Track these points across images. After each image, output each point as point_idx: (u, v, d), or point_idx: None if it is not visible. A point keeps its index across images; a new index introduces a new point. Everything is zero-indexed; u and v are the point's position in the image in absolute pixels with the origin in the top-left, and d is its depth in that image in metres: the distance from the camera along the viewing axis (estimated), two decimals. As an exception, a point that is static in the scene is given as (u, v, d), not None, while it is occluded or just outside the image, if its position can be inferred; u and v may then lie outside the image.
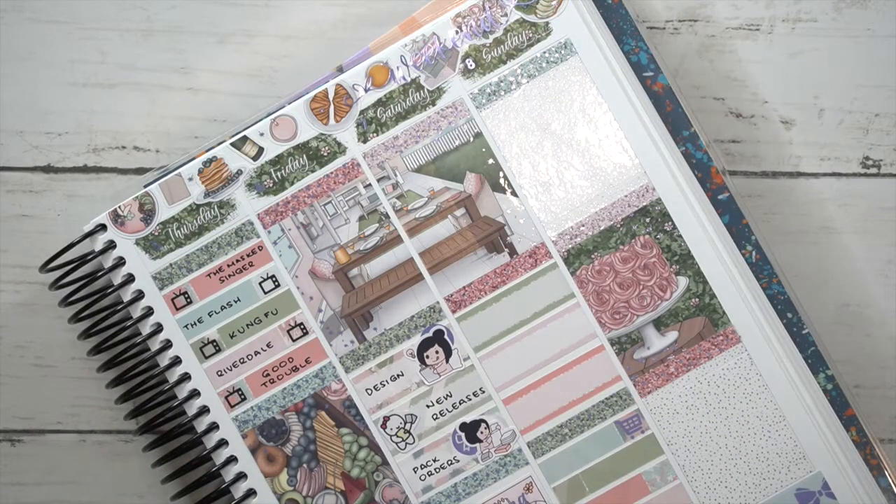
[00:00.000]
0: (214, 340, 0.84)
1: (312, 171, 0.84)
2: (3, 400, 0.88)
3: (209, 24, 0.88)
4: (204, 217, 0.84)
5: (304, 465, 0.84)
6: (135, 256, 0.84)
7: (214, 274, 0.84)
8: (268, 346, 0.84)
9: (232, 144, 0.84)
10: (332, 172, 0.84)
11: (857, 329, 0.86)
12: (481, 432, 0.84)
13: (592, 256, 0.83)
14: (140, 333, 0.84)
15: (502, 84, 0.83)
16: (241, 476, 0.84)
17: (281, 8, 0.87)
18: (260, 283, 0.84)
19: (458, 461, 0.84)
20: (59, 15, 0.88)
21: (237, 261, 0.84)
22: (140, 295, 0.84)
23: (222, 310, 0.84)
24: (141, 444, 0.88)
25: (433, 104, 0.83)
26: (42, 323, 0.88)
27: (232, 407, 0.84)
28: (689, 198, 0.83)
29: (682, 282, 0.83)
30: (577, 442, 0.83)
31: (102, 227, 0.84)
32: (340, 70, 0.84)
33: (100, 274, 0.85)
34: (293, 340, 0.84)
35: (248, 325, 0.84)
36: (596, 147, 0.83)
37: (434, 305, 0.84)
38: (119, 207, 0.84)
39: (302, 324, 0.84)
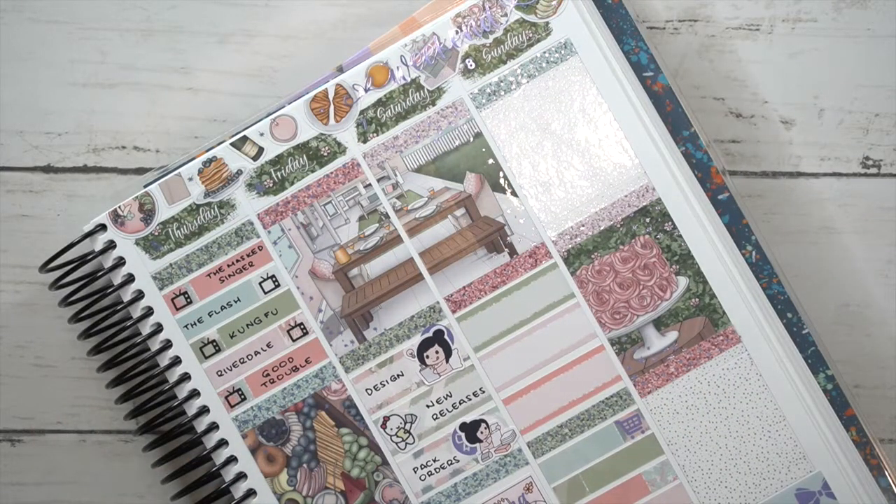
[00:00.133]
0: (214, 340, 0.84)
1: (312, 171, 0.84)
2: (3, 400, 0.88)
3: (209, 24, 0.88)
4: (204, 217, 0.84)
5: (304, 465, 0.84)
6: (135, 256, 0.84)
7: (214, 274, 0.84)
8: (268, 346, 0.84)
9: (232, 144, 0.84)
10: (332, 172, 0.84)
11: (857, 329, 0.86)
12: (481, 432, 0.84)
13: (592, 256, 0.83)
14: (140, 333, 0.84)
15: (502, 84, 0.83)
16: (241, 476, 0.84)
17: (281, 8, 0.87)
18: (260, 283, 0.84)
19: (458, 461, 0.84)
20: (59, 15, 0.88)
21: (237, 261, 0.84)
22: (140, 295, 0.84)
23: (222, 310, 0.84)
24: (141, 444, 0.88)
25: (433, 104, 0.83)
26: (42, 323, 0.88)
27: (232, 407, 0.84)
28: (689, 198, 0.83)
29: (682, 282, 0.83)
30: (577, 442, 0.83)
31: (102, 227, 0.84)
32: (340, 70, 0.84)
33: (100, 274, 0.85)
34: (293, 340, 0.84)
35: (248, 325, 0.84)
36: (596, 147, 0.83)
37: (434, 305, 0.84)
38: (119, 207, 0.84)
39: (302, 324, 0.84)
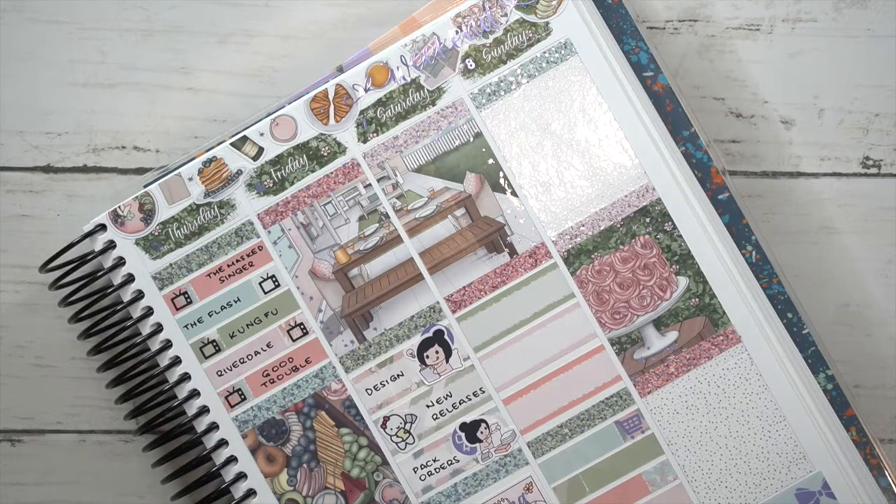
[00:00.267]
0: (214, 340, 0.84)
1: (312, 171, 0.84)
2: (3, 400, 0.88)
3: (209, 24, 0.88)
4: (204, 217, 0.84)
5: (304, 465, 0.84)
6: (135, 256, 0.84)
7: (214, 274, 0.84)
8: (268, 346, 0.84)
9: (232, 144, 0.84)
10: (332, 172, 0.84)
11: (857, 329, 0.86)
12: (481, 432, 0.84)
13: (592, 256, 0.83)
14: (140, 333, 0.84)
15: (502, 84, 0.83)
16: (241, 476, 0.84)
17: (281, 8, 0.87)
18: (260, 283, 0.84)
19: (458, 461, 0.84)
20: (59, 15, 0.88)
21: (237, 261, 0.84)
22: (140, 295, 0.84)
23: (222, 310, 0.84)
24: (141, 444, 0.88)
25: (433, 104, 0.83)
26: (42, 323, 0.88)
27: (232, 407, 0.84)
28: (689, 198, 0.83)
29: (682, 282, 0.83)
30: (577, 442, 0.83)
31: (102, 227, 0.84)
32: (340, 70, 0.84)
33: (100, 274, 0.85)
34: (293, 340, 0.84)
35: (248, 325, 0.84)
36: (596, 147, 0.83)
37: (434, 305, 0.84)
38: (119, 207, 0.84)
39: (302, 324, 0.84)
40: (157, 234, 0.84)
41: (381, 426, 0.84)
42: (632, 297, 0.83)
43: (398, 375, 0.84)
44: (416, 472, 0.84)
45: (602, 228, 0.83)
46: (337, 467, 0.84)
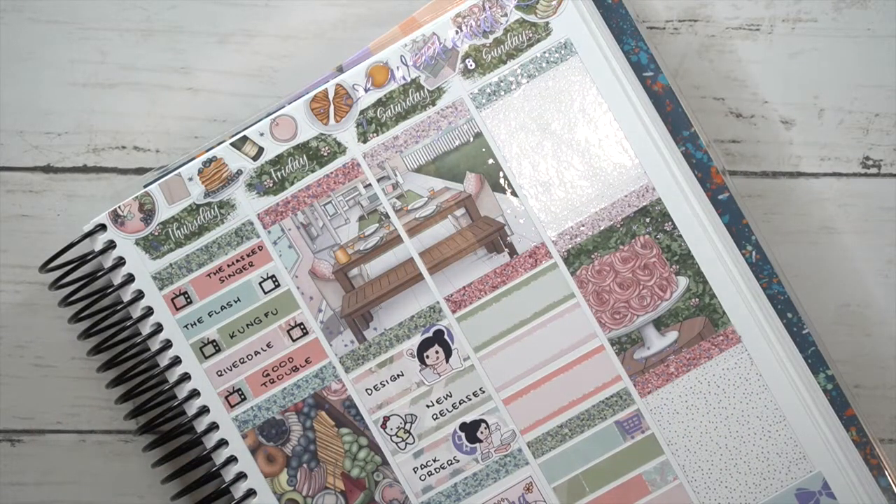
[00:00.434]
0: (214, 340, 0.84)
1: (312, 171, 0.84)
2: (3, 400, 0.88)
3: (209, 24, 0.88)
4: (204, 217, 0.84)
5: (304, 465, 0.84)
6: (135, 256, 0.84)
7: (214, 274, 0.84)
8: (268, 346, 0.84)
9: (232, 144, 0.84)
10: (332, 172, 0.84)
11: (857, 329, 0.86)
12: (481, 432, 0.84)
13: (592, 256, 0.83)
14: (140, 333, 0.84)
15: (502, 84, 0.83)
16: (241, 476, 0.84)
17: (281, 8, 0.87)
18: (260, 283, 0.84)
19: (458, 461, 0.84)
20: (59, 15, 0.88)
21: (237, 261, 0.84)
22: (140, 295, 0.84)
23: (222, 310, 0.84)
24: (141, 444, 0.88)
25: (433, 104, 0.83)
26: (42, 323, 0.88)
27: (232, 407, 0.84)
28: (689, 198, 0.83)
29: (682, 282, 0.83)
30: (577, 442, 0.83)
31: (102, 227, 0.84)
32: (340, 70, 0.84)
33: (100, 274, 0.85)
34: (293, 340, 0.84)
35: (248, 325, 0.84)
36: (596, 147, 0.83)
37: (434, 305, 0.84)
38: (119, 207, 0.84)
39: (302, 324, 0.84)
40: (157, 234, 0.84)
41: (381, 426, 0.84)
42: (632, 297, 0.83)
43: (398, 375, 0.84)
44: (416, 472, 0.84)
45: (602, 228, 0.83)
46: (337, 467, 0.84)
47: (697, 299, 0.83)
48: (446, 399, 0.84)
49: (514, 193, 0.83)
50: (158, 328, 0.84)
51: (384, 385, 0.84)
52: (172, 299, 0.84)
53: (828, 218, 0.86)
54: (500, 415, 0.84)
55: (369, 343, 0.84)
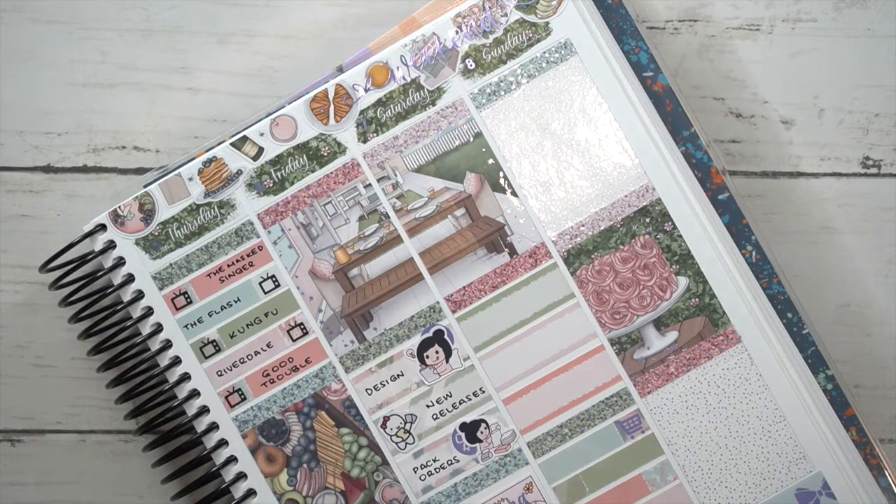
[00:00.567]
0: (214, 340, 0.84)
1: (312, 171, 0.84)
2: (3, 400, 0.88)
3: (209, 24, 0.88)
4: (204, 217, 0.84)
5: (304, 465, 0.84)
6: (135, 256, 0.84)
7: (214, 274, 0.84)
8: (268, 346, 0.84)
9: (232, 144, 0.84)
10: (332, 172, 0.84)
11: (857, 329, 0.86)
12: (481, 432, 0.84)
13: (592, 256, 0.83)
14: (140, 333, 0.84)
15: (502, 84, 0.83)
16: (241, 476, 0.84)
17: (281, 8, 0.87)
18: (260, 283, 0.84)
19: (458, 461, 0.84)
20: (60, 15, 0.88)
21: (237, 261, 0.84)
22: (140, 295, 0.84)
23: (222, 310, 0.84)
24: (141, 444, 0.88)
25: (433, 104, 0.83)
26: (42, 323, 0.88)
27: (232, 407, 0.84)
28: (689, 198, 0.83)
29: (682, 282, 0.83)
30: (577, 442, 0.83)
31: (102, 227, 0.84)
32: (340, 70, 0.84)
33: (100, 274, 0.85)
34: (293, 340, 0.84)
35: (248, 325, 0.84)
36: (596, 147, 0.83)
37: (434, 305, 0.84)
38: (119, 207, 0.84)
39: (302, 324, 0.84)
40: (157, 234, 0.84)
41: (381, 426, 0.84)
42: (632, 297, 0.83)
43: (398, 375, 0.84)
44: (416, 472, 0.84)
45: (602, 228, 0.83)
46: (337, 467, 0.84)
47: (697, 299, 0.83)
48: (446, 399, 0.84)
49: (514, 193, 0.83)
50: (158, 328, 0.84)
51: (384, 385, 0.84)
52: (172, 299, 0.84)
53: (828, 218, 0.86)
54: (500, 415, 0.84)
55: (369, 343, 0.84)
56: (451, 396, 0.84)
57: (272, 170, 0.84)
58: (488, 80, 0.83)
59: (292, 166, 0.84)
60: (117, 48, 0.88)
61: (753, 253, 0.83)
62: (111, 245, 0.84)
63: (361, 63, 0.84)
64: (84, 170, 0.88)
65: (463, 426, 0.84)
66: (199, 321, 0.84)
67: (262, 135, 0.84)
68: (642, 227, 0.83)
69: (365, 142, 0.84)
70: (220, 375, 0.84)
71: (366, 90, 0.83)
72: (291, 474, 0.84)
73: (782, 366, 0.82)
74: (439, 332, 0.84)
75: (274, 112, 0.84)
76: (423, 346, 0.84)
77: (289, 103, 0.84)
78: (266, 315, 0.84)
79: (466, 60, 0.83)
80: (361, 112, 0.84)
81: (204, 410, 0.84)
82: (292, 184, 0.84)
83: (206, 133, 0.88)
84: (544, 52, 0.83)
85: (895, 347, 0.86)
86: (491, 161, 0.83)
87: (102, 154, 0.88)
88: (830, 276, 0.86)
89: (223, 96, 0.88)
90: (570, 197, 0.83)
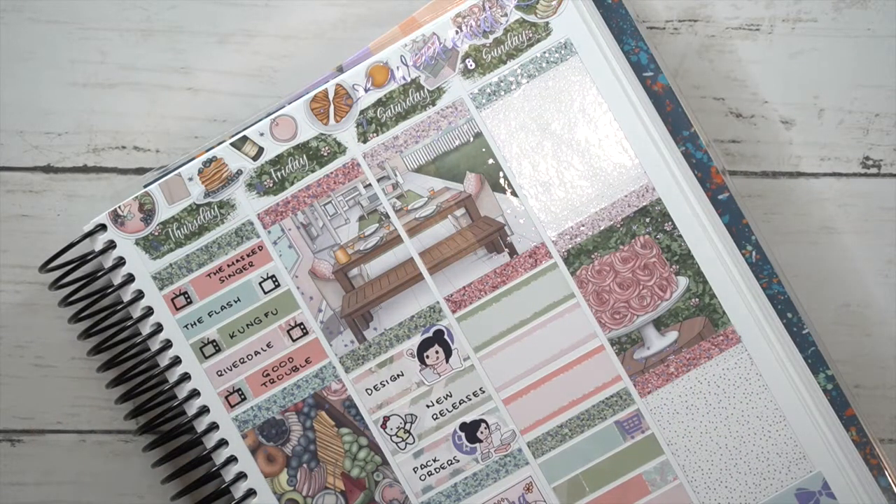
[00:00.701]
0: (214, 340, 0.84)
1: (312, 171, 0.84)
2: (3, 400, 0.88)
3: (209, 24, 0.88)
4: (204, 217, 0.84)
5: (304, 465, 0.84)
6: (135, 256, 0.84)
7: (214, 274, 0.84)
8: (268, 346, 0.84)
9: (232, 144, 0.84)
10: (332, 172, 0.84)
11: (857, 329, 0.86)
12: (481, 432, 0.84)
13: (592, 256, 0.83)
14: (140, 333, 0.84)
15: (502, 84, 0.83)
16: (241, 476, 0.84)
17: (281, 8, 0.87)
18: (260, 283, 0.84)
19: (458, 461, 0.84)
20: (60, 15, 0.88)
21: (237, 261, 0.84)
22: (140, 295, 0.84)
23: (222, 310, 0.84)
24: (141, 444, 0.88)
25: (433, 104, 0.83)
26: (42, 323, 0.88)
27: (232, 407, 0.84)
28: (689, 198, 0.83)
29: (682, 282, 0.83)
30: (577, 442, 0.83)
31: (102, 227, 0.84)
32: (340, 70, 0.84)
33: (100, 274, 0.85)
34: (293, 340, 0.84)
35: (248, 325, 0.84)
36: (596, 147, 0.83)
37: (434, 305, 0.84)
38: (119, 207, 0.84)
39: (302, 324, 0.84)
40: (157, 234, 0.84)
41: (381, 426, 0.84)
42: (632, 297, 0.83)
43: (398, 375, 0.84)
44: (416, 472, 0.84)
45: (602, 228, 0.83)
46: (337, 467, 0.84)
47: (697, 299, 0.83)
48: (446, 399, 0.84)
49: (514, 193, 0.83)
50: (158, 328, 0.84)
51: (384, 385, 0.84)
52: (172, 299, 0.84)
53: (828, 218, 0.86)
54: (500, 415, 0.84)
55: (369, 343, 0.84)
56: (451, 396, 0.84)
57: (272, 170, 0.84)
58: (488, 80, 0.83)
59: (292, 166, 0.84)
60: (117, 48, 0.88)
61: (753, 253, 0.83)
62: (111, 245, 0.84)
63: (361, 63, 0.84)
64: (84, 170, 0.88)
65: (463, 426, 0.84)
66: (199, 321, 0.84)
67: (262, 135, 0.84)
68: (642, 227, 0.83)
69: (365, 142, 0.84)
70: (220, 375, 0.84)
71: (366, 90, 0.83)
72: (291, 474, 0.84)
73: (782, 366, 0.82)
74: (439, 332, 0.84)
75: (274, 112, 0.84)
76: (423, 346, 0.84)
77: (289, 103, 0.84)
78: (266, 315, 0.84)
79: (466, 60, 0.83)
80: (361, 112, 0.84)
81: (204, 410, 0.84)
82: (292, 184, 0.84)
83: (206, 133, 0.88)
84: (544, 52, 0.83)
85: (895, 347, 0.86)
86: (491, 161, 0.83)
87: (102, 154, 0.88)
88: (830, 276, 0.86)
89: (223, 96, 0.88)
90: (570, 197, 0.83)
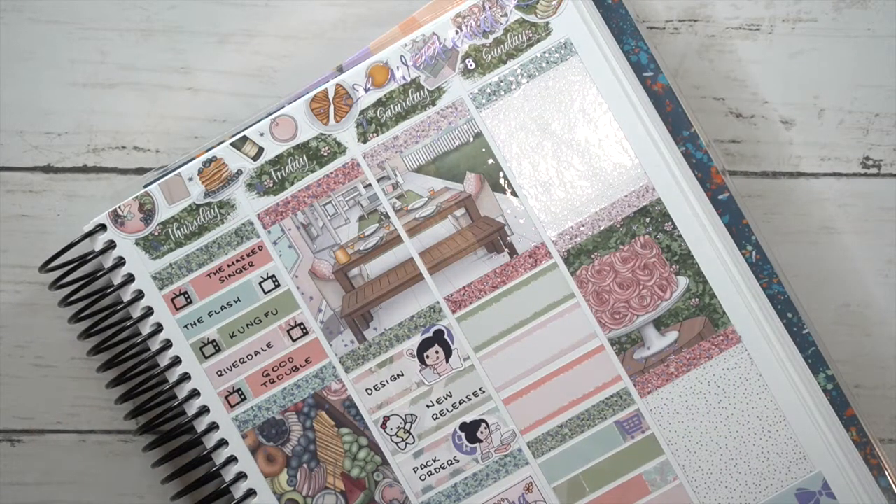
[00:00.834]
0: (214, 340, 0.84)
1: (312, 171, 0.84)
2: (3, 400, 0.88)
3: (209, 24, 0.88)
4: (204, 217, 0.84)
5: (304, 465, 0.84)
6: (135, 256, 0.84)
7: (214, 274, 0.84)
8: (268, 346, 0.84)
9: (232, 144, 0.84)
10: (332, 172, 0.84)
11: (857, 329, 0.86)
12: (481, 432, 0.84)
13: (592, 256, 0.83)
14: (140, 333, 0.84)
15: (502, 84, 0.83)
16: (241, 476, 0.84)
17: (281, 8, 0.87)
18: (260, 283, 0.84)
19: (458, 461, 0.84)
20: (60, 15, 0.88)
21: (237, 261, 0.84)
22: (140, 295, 0.84)
23: (222, 310, 0.84)
24: (141, 444, 0.88)
25: (433, 104, 0.83)
26: (42, 323, 0.88)
27: (232, 407, 0.84)
28: (689, 198, 0.83)
29: (682, 282, 0.83)
30: (577, 442, 0.83)
31: (102, 227, 0.84)
32: (340, 70, 0.84)
33: (100, 274, 0.85)
34: (293, 340, 0.84)
35: (248, 325, 0.84)
36: (596, 147, 0.83)
37: (434, 305, 0.84)
38: (119, 207, 0.84)
39: (302, 324, 0.84)
40: (157, 234, 0.84)
41: (381, 426, 0.84)
42: (632, 297, 0.83)
43: (398, 375, 0.84)
44: (416, 472, 0.84)
45: (602, 228, 0.83)
46: (337, 467, 0.84)
47: (697, 299, 0.83)
48: (446, 399, 0.84)
49: (514, 193, 0.83)
50: (158, 328, 0.84)
51: (384, 385, 0.84)
52: (172, 299, 0.84)
53: (828, 218, 0.86)
54: (500, 415, 0.84)
55: (369, 343, 0.84)
56: (451, 396, 0.84)
57: (272, 170, 0.84)
58: (488, 80, 0.83)
59: (292, 166, 0.84)
60: (117, 48, 0.88)
61: (753, 253, 0.83)
62: (111, 245, 0.84)
63: (361, 63, 0.84)
64: (84, 170, 0.88)
65: (463, 426, 0.84)
66: (199, 321, 0.84)
67: (262, 135, 0.84)
68: (642, 227, 0.83)
69: (365, 142, 0.84)
70: (220, 375, 0.84)
71: (366, 90, 0.83)
72: (291, 474, 0.84)
73: (782, 366, 0.82)
74: (439, 332, 0.84)
75: (274, 112, 0.84)
76: (423, 346, 0.84)
77: (289, 103, 0.84)
78: (266, 315, 0.84)
79: (466, 60, 0.83)
80: (361, 112, 0.84)
81: (204, 410, 0.84)
82: (292, 184, 0.84)
83: (206, 133, 0.88)
84: (544, 52, 0.83)
85: (895, 347, 0.86)
86: (491, 161, 0.83)
87: (102, 154, 0.88)
88: (830, 276, 0.86)
89: (223, 96, 0.88)
90: (570, 197, 0.83)
